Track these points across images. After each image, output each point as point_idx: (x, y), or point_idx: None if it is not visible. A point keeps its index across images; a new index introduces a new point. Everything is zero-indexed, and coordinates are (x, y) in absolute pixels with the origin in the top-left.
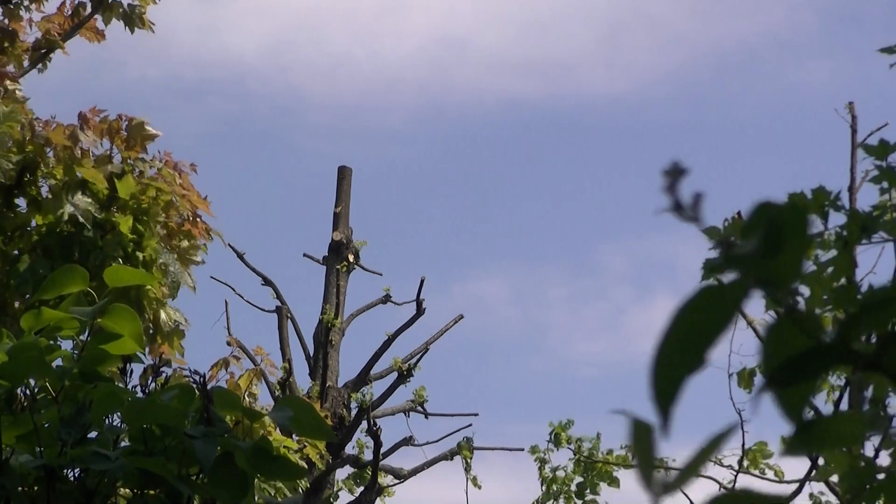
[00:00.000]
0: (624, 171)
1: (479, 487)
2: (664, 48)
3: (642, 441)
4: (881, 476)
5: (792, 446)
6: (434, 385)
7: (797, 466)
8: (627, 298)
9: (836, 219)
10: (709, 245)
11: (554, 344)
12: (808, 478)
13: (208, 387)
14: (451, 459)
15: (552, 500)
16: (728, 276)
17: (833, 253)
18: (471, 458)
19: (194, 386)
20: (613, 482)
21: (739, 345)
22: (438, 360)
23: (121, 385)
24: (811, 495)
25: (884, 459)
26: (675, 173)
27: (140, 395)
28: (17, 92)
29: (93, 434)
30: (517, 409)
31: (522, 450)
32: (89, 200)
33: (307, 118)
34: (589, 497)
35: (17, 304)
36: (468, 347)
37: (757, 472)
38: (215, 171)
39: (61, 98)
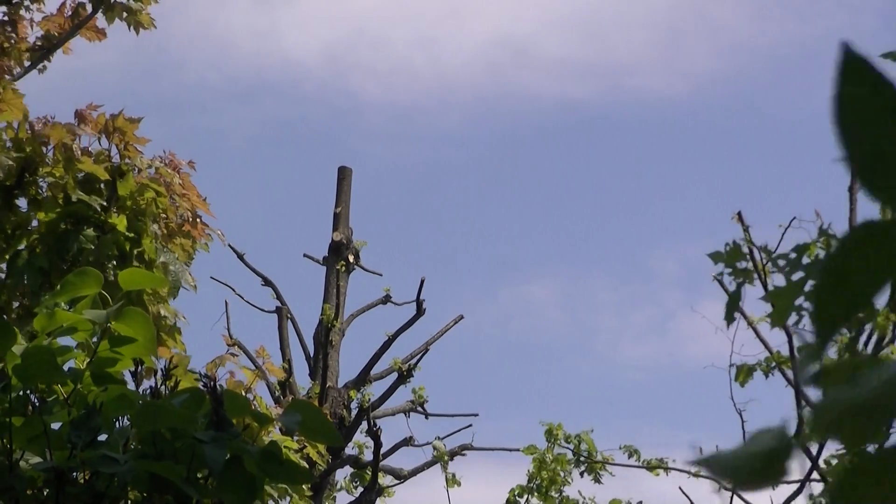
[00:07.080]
0: (680, 175)
1: (459, 484)
2: (723, 51)
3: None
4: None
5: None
6: (439, 385)
7: (796, 467)
8: (677, 303)
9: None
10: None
11: (600, 348)
12: (807, 478)
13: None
14: (452, 460)
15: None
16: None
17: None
18: (447, 462)
19: (204, 390)
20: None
21: (741, 345)
22: (439, 360)
23: (131, 388)
24: (810, 496)
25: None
26: None
27: (150, 398)
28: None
29: (103, 437)
30: (553, 410)
31: (518, 450)
32: (93, 197)
33: (363, 122)
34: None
35: (14, 305)
36: (515, 350)
37: None
38: (265, 172)
39: (120, 99)
